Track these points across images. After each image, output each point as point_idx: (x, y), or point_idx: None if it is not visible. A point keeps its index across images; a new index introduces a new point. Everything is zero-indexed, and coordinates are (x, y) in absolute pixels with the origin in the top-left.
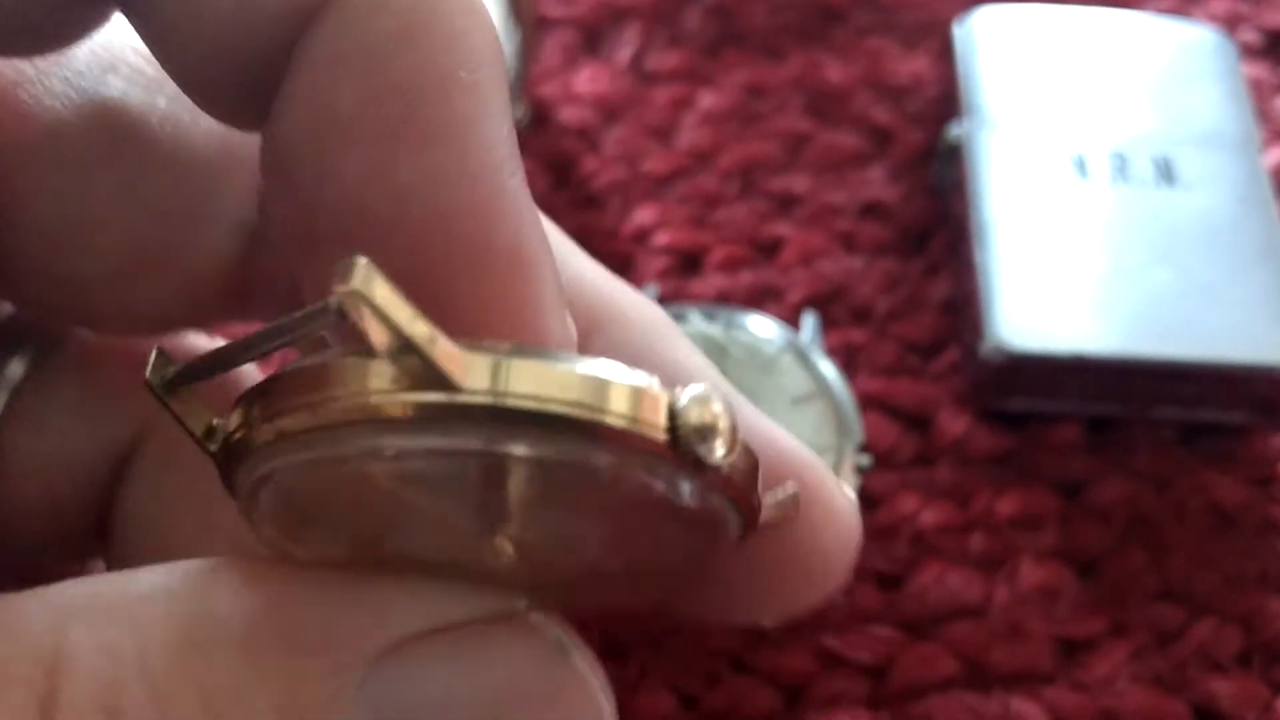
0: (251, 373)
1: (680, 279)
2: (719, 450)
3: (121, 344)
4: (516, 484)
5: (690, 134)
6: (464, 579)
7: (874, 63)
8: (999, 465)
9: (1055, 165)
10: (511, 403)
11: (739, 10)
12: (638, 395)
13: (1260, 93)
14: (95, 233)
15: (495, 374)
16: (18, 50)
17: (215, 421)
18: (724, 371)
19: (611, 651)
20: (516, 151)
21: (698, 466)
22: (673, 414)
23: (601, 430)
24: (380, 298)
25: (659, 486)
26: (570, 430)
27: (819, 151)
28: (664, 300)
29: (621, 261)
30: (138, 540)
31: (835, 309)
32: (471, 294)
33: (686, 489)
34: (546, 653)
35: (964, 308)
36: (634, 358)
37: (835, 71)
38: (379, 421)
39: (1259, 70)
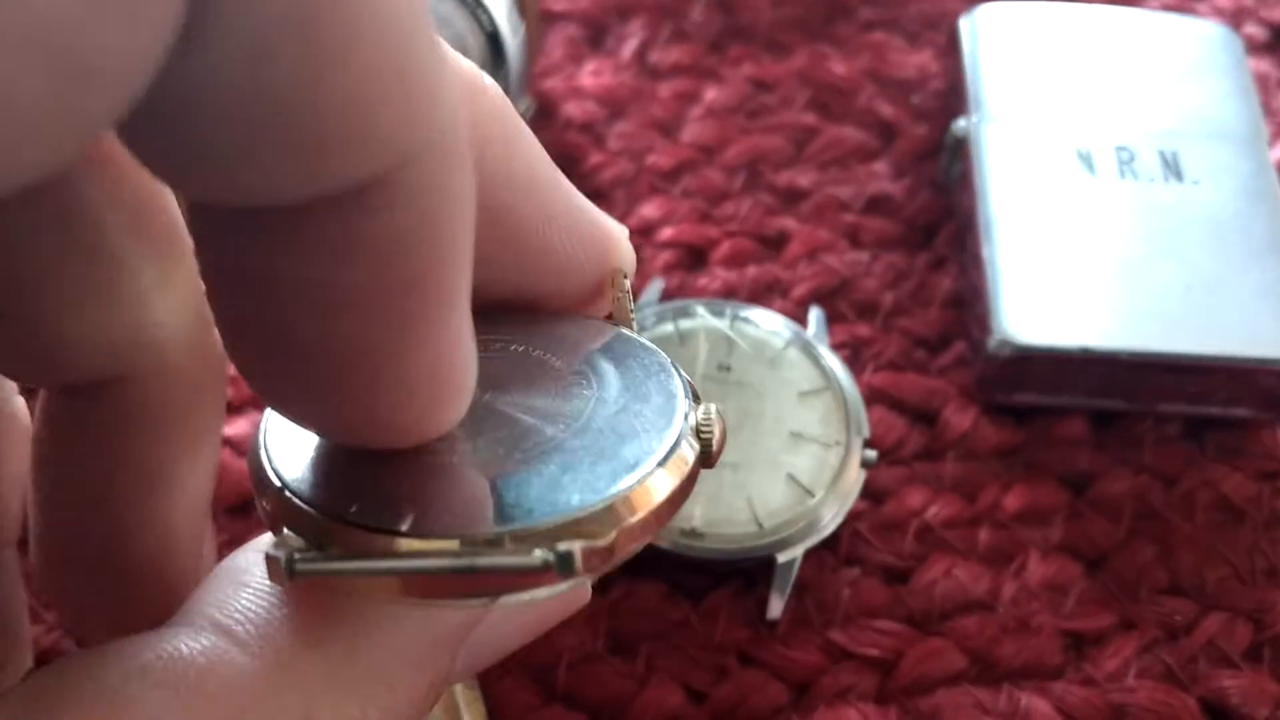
0: None
1: (686, 273)
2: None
3: None
4: None
5: (695, 128)
6: None
7: (879, 57)
8: (1006, 460)
9: (1061, 160)
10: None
11: (744, 4)
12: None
13: (1266, 87)
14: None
15: None
16: None
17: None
18: (730, 365)
19: (619, 646)
20: None
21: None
22: None
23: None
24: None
25: None
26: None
27: (824, 146)
28: (669, 295)
29: None
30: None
31: (841, 303)
32: None
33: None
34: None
35: (970, 302)
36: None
37: (840, 66)
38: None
39: (1265, 65)
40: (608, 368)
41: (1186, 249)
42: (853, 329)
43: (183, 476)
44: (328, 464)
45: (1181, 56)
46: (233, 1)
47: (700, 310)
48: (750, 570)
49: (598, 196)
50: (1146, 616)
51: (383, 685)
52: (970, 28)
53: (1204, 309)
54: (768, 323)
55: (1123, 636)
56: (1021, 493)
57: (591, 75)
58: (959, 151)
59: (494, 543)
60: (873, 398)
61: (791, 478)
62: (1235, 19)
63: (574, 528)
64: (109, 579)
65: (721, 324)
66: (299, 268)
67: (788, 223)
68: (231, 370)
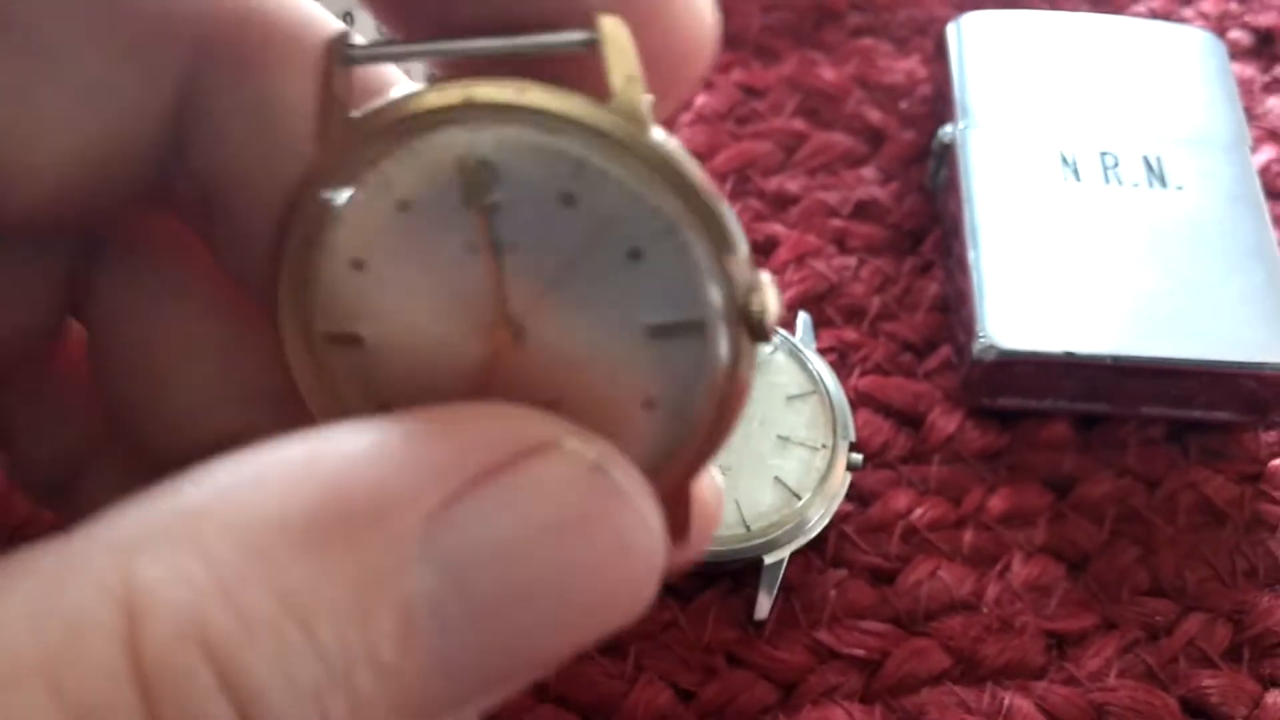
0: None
1: None
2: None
3: None
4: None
5: (685, 134)
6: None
7: (868, 63)
8: (990, 462)
9: (1047, 166)
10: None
11: (733, 11)
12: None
13: (1250, 92)
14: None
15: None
16: None
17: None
18: None
19: (609, 647)
20: None
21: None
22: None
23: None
24: (627, 41)
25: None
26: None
27: (813, 151)
28: None
29: None
30: (119, 325)
31: (828, 308)
32: None
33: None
34: (588, 476)
35: (956, 307)
36: None
37: (829, 72)
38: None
39: (1249, 70)
40: None
41: (1170, 254)
42: (840, 333)
43: None
44: None
45: (1166, 63)
46: None
47: None
48: (738, 571)
49: None
50: (1128, 617)
51: None
52: (957, 34)
53: (1187, 314)
54: None
55: (1104, 637)
56: (1006, 495)
57: None
58: (945, 157)
59: None
60: (859, 401)
61: (779, 480)
62: (1220, 24)
63: None
64: None
65: None
66: None
67: (776, 228)
68: None
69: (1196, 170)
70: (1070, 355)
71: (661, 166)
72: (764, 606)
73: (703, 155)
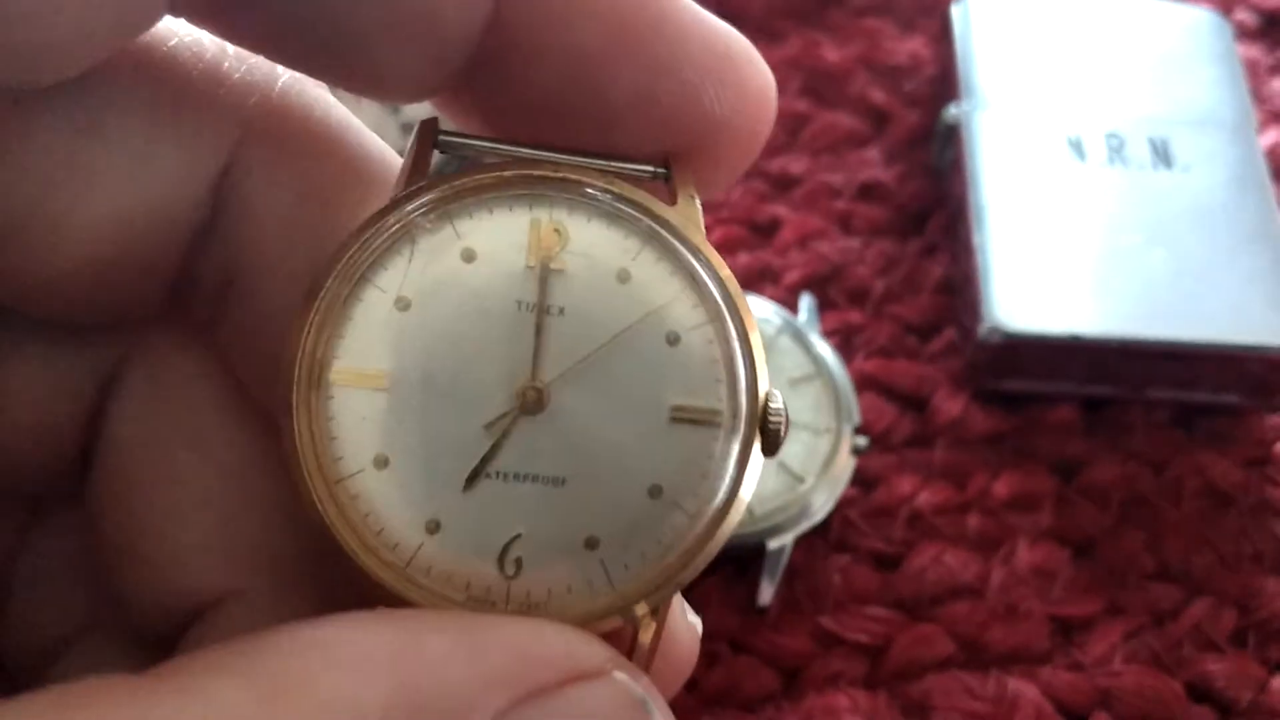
0: None
1: None
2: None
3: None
4: None
5: None
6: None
7: (872, 44)
8: (996, 446)
9: (1052, 147)
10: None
11: None
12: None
13: (1256, 74)
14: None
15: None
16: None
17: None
18: None
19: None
20: None
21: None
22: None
23: None
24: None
25: None
26: None
27: (817, 133)
28: None
29: None
30: (126, 464)
31: (832, 290)
32: None
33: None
34: (631, 708)
35: (961, 289)
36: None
37: (833, 53)
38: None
39: (1255, 51)
40: None
41: (1175, 235)
42: (844, 315)
43: None
44: None
45: (1171, 44)
46: None
47: None
48: (741, 557)
49: None
50: (1134, 602)
51: None
52: (962, 15)
53: (1193, 295)
54: (759, 310)
55: (1110, 621)
56: (1011, 479)
57: None
58: (950, 138)
59: None
60: (863, 384)
61: (782, 464)
62: (1226, 4)
63: None
64: None
65: None
66: None
67: (779, 209)
68: None
69: (1202, 152)
70: (1076, 337)
71: (707, 266)
72: (767, 593)
73: None
